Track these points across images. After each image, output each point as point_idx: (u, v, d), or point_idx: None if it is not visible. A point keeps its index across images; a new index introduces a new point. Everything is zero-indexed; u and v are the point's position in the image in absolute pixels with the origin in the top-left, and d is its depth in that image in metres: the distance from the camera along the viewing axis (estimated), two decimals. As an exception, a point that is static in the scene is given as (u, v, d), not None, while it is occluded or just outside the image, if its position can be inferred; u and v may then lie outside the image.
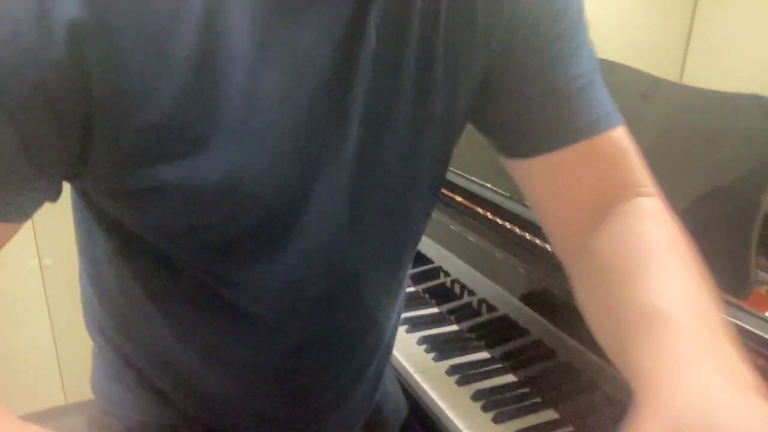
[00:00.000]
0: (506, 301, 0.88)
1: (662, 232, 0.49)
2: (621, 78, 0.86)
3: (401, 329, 0.97)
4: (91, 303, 0.63)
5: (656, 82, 0.84)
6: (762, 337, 0.61)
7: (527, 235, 0.88)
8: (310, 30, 0.42)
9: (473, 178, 1.03)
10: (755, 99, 0.74)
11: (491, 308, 0.92)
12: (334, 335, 0.60)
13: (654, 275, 0.45)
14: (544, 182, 0.55)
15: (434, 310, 1.05)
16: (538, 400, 0.83)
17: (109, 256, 0.55)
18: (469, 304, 0.97)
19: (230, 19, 0.39)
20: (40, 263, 1.48)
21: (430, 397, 0.83)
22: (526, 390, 0.85)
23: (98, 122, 0.39)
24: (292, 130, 0.44)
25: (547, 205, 0.57)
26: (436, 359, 0.91)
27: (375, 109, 0.47)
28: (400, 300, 0.70)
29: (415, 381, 0.86)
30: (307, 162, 0.46)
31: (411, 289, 1.09)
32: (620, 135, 0.53)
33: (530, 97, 0.52)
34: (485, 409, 0.80)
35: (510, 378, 0.87)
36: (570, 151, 0.52)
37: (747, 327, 0.62)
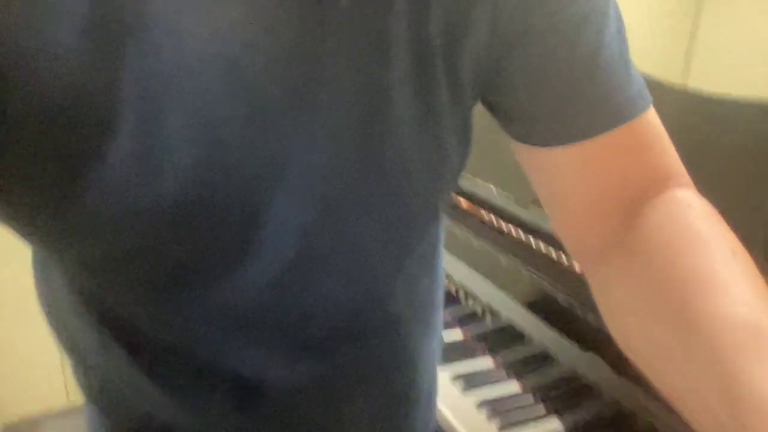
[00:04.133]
0: (511, 308, 0.88)
1: (719, 231, 0.41)
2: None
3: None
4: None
5: (660, 87, 0.84)
6: None
7: (532, 241, 0.87)
8: None
9: (478, 182, 1.03)
10: (759, 104, 0.74)
11: (495, 315, 0.91)
12: (330, 382, 0.52)
13: (734, 282, 0.37)
14: (567, 174, 0.46)
15: (438, 316, 1.04)
16: (543, 408, 0.82)
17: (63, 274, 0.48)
18: (473, 311, 0.97)
19: None
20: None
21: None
22: (531, 398, 0.84)
23: None
24: (234, 116, 0.35)
25: (565, 200, 0.47)
26: (440, 366, 0.90)
27: (355, 87, 0.38)
28: (435, 333, 0.61)
29: (419, 388, 0.86)
30: (261, 160, 0.37)
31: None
32: (654, 116, 0.45)
33: (555, 78, 0.42)
34: (490, 417, 0.80)
35: (515, 386, 0.87)
36: (604, 138, 0.43)
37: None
